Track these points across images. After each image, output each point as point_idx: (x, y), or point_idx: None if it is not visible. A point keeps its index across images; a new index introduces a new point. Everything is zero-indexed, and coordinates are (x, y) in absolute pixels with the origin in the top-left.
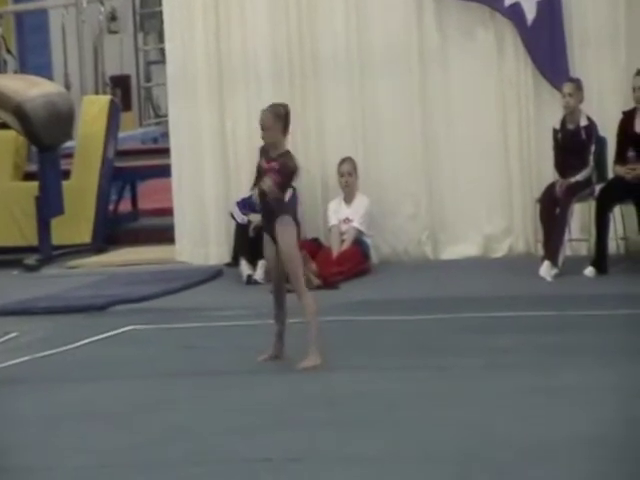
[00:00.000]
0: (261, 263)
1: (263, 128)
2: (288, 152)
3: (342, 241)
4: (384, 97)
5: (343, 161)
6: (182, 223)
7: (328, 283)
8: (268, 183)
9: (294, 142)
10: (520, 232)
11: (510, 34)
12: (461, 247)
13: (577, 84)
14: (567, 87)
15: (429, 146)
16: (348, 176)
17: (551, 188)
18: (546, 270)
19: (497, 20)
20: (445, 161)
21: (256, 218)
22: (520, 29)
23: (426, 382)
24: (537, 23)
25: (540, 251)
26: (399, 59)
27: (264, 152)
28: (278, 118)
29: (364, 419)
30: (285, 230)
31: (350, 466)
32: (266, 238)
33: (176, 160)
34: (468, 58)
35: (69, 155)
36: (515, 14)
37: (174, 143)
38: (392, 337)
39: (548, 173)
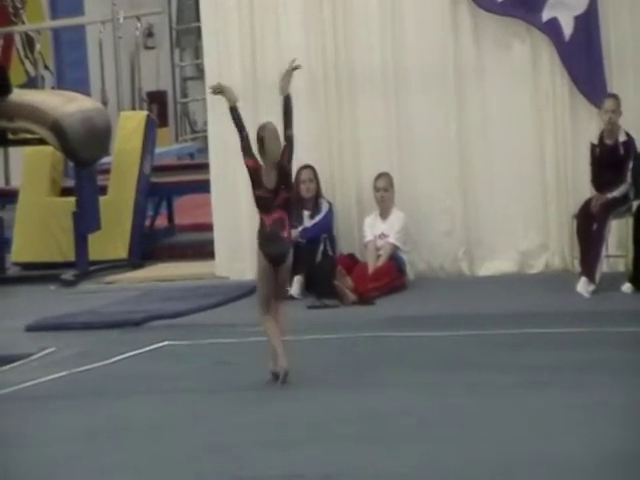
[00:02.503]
0: (297, 279)
1: (276, 148)
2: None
3: (378, 257)
4: (420, 112)
5: (379, 176)
6: (220, 238)
7: (364, 299)
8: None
9: (330, 157)
10: (556, 248)
11: (546, 49)
12: (497, 263)
13: (618, 100)
14: (609, 103)
15: (465, 161)
16: (384, 191)
17: (588, 204)
18: (583, 286)
19: (534, 34)
20: (481, 177)
21: (293, 234)
22: (557, 44)
23: (460, 399)
24: (575, 38)
25: (577, 267)
26: (435, 74)
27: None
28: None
29: (397, 435)
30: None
31: None
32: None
33: (215, 175)
34: (504, 73)
35: (106, 171)
36: (552, 29)
37: (213, 159)
38: (427, 353)
39: (585, 189)
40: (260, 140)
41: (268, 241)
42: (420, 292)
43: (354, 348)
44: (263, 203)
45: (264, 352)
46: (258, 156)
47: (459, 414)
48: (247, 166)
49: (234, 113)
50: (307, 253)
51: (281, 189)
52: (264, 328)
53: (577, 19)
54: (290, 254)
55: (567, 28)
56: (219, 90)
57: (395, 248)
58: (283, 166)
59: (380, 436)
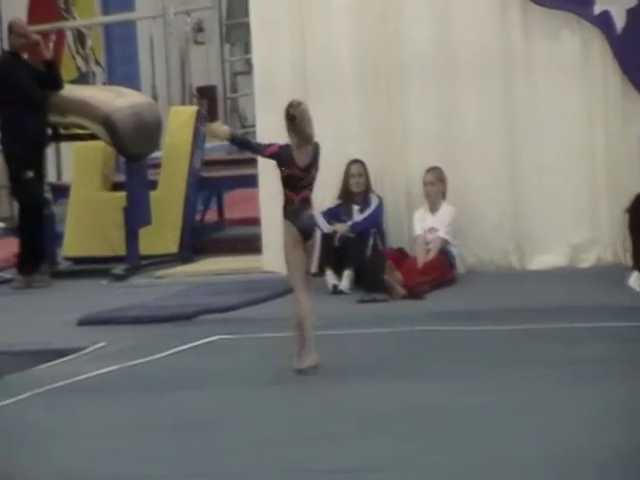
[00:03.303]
0: (347, 273)
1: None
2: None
3: (427, 251)
4: (469, 104)
5: (427, 170)
6: (269, 232)
7: (414, 293)
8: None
9: (380, 151)
10: (608, 242)
11: (597, 41)
12: (548, 257)
13: None
14: None
15: (514, 154)
16: (430, 186)
17: (639, 198)
18: (635, 280)
19: (584, 27)
20: (531, 170)
21: (342, 228)
22: (609, 37)
23: (509, 392)
24: (626, 31)
25: (629, 261)
26: (484, 66)
27: (285, 156)
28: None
29: (447, 429)
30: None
31: (434, 476)
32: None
33: (263, 170)
34: (554, 66)
35: (156, 165)
36: (604, 22)
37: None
38: (476, 347)
39: (636, 183)
40: (291, 118)
41: (298, 214)
42: (470, 286)
43: (404, 342)
44: (293, 181)
45: (316, 344)
46: (288, 134)
47: (509, 408)
48: (271, 152)
49: (236, 141)
50: (357, 247)
51: (312, 169)
52: (301, 306)
53: (629, 12)
54: (315, 231)
55: (619, 21)
56: (213, 135)
57: (445, 242)
58: (317, 145)
59: (429, 430)
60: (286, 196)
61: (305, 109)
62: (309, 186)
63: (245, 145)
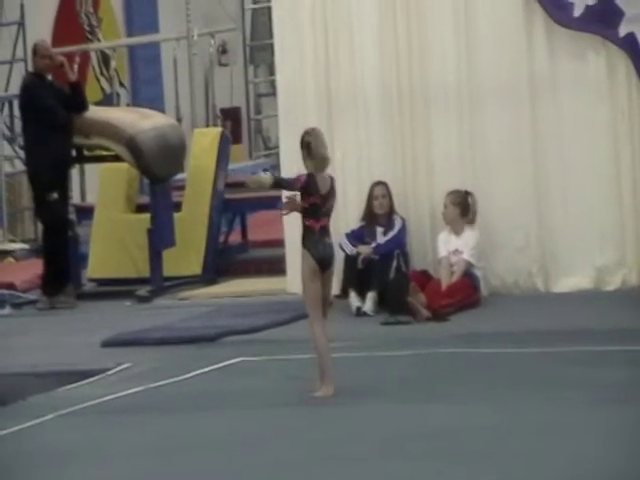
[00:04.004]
0: (370, 295)
1: (325, 152)
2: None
3: (451, 273)
4: (494, 127)
5: (447, 194)
6: (293, 254)
7: (437, 315)
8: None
9: (404, 173)
10: (633, 264)
11: (623, 62)
12: (572, 279)
13: None
14: None
15: (539, 176)
16: (444, 208)
17: None
18: None
19: (609, 48)
20: (556, 191)
21: (365, 250)
22: (634, 59)
23: (533, 415)
24: None
25: None
26: (509, 89)
27: (311, 185)
28: (302, 147)
29: (470, 452)
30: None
31: None
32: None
33: (287, 192)
34: (579, 87)
35: (180, 187)
36: (629, 44)
37: (285, 174)
38: (500, 370)
39: None
40: (306, 145)
41: (317, 244)
42: (494, 309)
43: (427, 364)
44: (314, 210)
45: (338, 367)
46: (304, 163)
47: (533, 431)
48: (302, 184)
49: (275, 185)
50: (380, 269)
51: (330, 196)
52: (315, 340)
53: None
54: (334, 261)
55: None
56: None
57: (469, 264)
58: (331, 177)
59: (453, 452)
60: (306, 225)
61: (319, 133)
62: (328, 214)
63: (281, 184)
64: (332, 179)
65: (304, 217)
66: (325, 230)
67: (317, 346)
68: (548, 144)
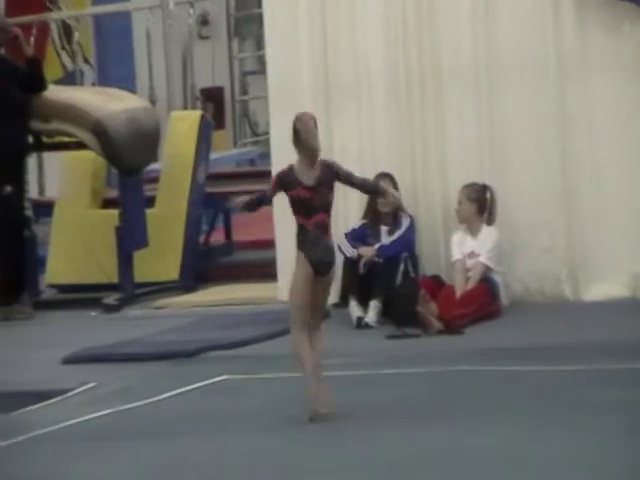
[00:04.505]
0: (373, 304)
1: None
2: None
3: (467, 279)
4: (516, 112)
5: (462, 188)
6: (284, 257)
7: (451, 327)
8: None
9: (413, 165)
10: None
11: None
12: (606, 287)
13: None
14: None
15: (568, 168)
16: (457, 205)
17: None
18: None
19: None
20: (587, 186)
21: (368, 252)
22: None
23: (560, 443)
24: None
25: None
26: (533, 69)
27: (289, 178)
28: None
29: None
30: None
31: None
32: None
33: None
34: (613, 66)
35: (154, 179)
36: None
37: (276, 165)
38: (523, 390)
39: None
40: (296, 133)
41: (313, 245)
42: (516, 319)
43: (439, 384)
44: (301, 204)
45: (335, 386)
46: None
47: (560, 460)
48: (274, 186)
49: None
50: (385, 274)
51: (322, 187)
52: (299, 355)
53: None
54: (334, 265)
55: None
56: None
57: (487, 269)
58: (329, 164)
59: None
60: (298, 223)
61: (309, 119)
62: (323, 209)
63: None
64: (330, 166)
65: (295, 215)
66: (322, 228)
67: (298, 355)
68: (577, 130)
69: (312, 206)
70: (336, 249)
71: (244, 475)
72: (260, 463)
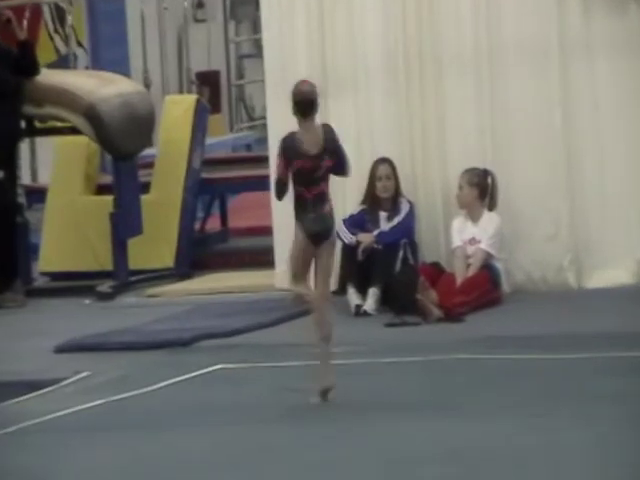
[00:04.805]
0: (372, 292)
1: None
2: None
3: (468, 266)
4: (518, 97)
5: (463, 173)
6: (282, 244)
7: (451, 315)
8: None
9: (412, 149)
10: None
11: None
12: (610, 274)
13: None
14: None
15: (572, 154)
16: (458, 190)
17: None
18: None
19: None
20: (591, 172)
21: (366, 238)
22: None
23: (565, 434)
24: None
25: None
26: (536, 51)
27: (292, 148)
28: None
29: (491, 476)
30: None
31: None
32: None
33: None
34: (619, 48)
35: (149, 165)
36: None
37: (273, 150)
38: (527, 380)
39: None
40: (296, 103)
41: (310, 218)
42: (518, 307)
43: (439, 373)
44: (304, 175)
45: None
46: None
47: (565, 451)
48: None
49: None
50: (384, 261)
51: (325, 155)
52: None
53: None
54: (334, 231)
55: None
56: None
57: (488, 256)
58: (327, 127)
59: (471, 477)
60: (297, 193)
61: (302, 81)
62: (324, 179)
63: (282, 190)
64: (328, 131)
65: (294, 185)
66: (322, 198)
67: (300, 295)
68: (581, 115)
69: (313, 177)
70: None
71: (240, 467)
72: (257, 454)
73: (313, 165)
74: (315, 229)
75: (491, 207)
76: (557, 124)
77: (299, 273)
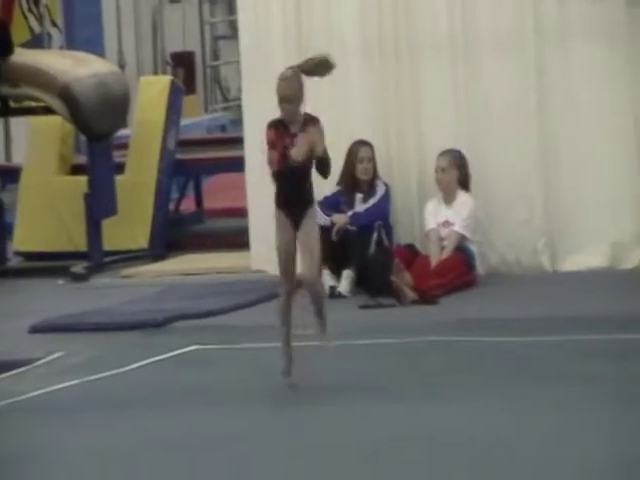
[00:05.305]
0: (346, 273)
1: (288, 100)
2: (313, 118)
3: (442, 248)
4: (493, 81)
5: (440, 154)
6: (257, 225)
7: (425, 297)
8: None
9: (387, 133)
10: None
11: None
12: (584, 257)
13: None
14: None
15: (547, 138)
16: (441, 172)
17: None
18: None
19: None
20: (565, 155)
21: (341, 219)
22: None
23: (539, 416)
24: None
25: None
26: (511, 36)
27: (280, 127)
28: (301, 86)
29: (465, 460)
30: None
31: None
32: (284, 221)
33: (250, 152)
34: (594, 33)
35: (123, 145)
36: None
37: (248, 131)
38: (501, 362)
39: None
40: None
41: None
42: (492, 290)
43: (413, 355)
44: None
45: (312, 358)
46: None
47: (540, 435)
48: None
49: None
50: (358, 243)
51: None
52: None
53: None
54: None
55: None
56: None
57: (462, 238)
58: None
59: (447, 460)
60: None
61: (284, 71)
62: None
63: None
64: (315, 120)
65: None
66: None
67: (281, 335)
68: (557, 99)
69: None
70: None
71: (214, 449)
72: (234, 440)
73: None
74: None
75: (466, 186)
76: (532, 109)
77: (288, 271)
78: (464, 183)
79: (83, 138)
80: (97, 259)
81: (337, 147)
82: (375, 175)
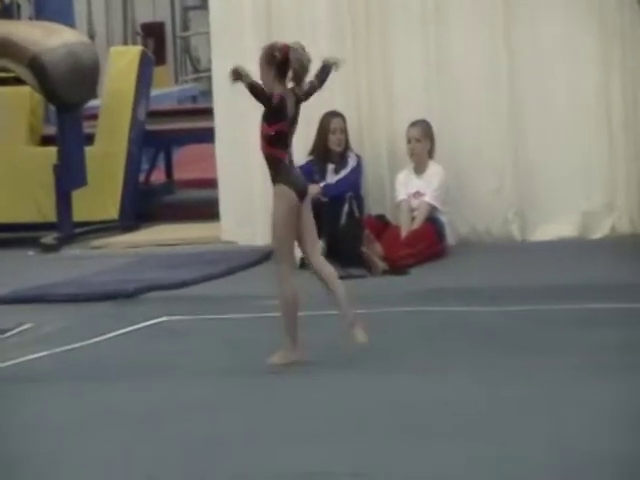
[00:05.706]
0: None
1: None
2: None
3: (412, 218)
4: (462, 49)
5: (412, 124)
6: (227, 196)
7: (396, 267)
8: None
9: (358, 102)
10: (624, 208)
11: None
12: (554, 227)
13: None
14: None
15: (516, 108)
16: (415, 142)
17: None
18: None
19: None
20: (535, 125)
21: (313, 189)
22: None
23: (511, 386)
24: None
25: None
26: (481, 4)
27: (283, 108)
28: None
29: (436, 429)
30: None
31: None
32: (296, 205)
33: (220, 123)
34: (562, 2)
35: (93, 116)
36: None
37: (218, 102)
38: (471, 332)
39: None
40: (278, 63)
41: (294, 176)
42: (462, 260)
43: (384, 326)
44: (283, 138)
45: (276, 329)
46: (273, 83)
47: (510, 405)
48: (278, 101)
49: (252, 86)
50: (330, 214)
51: (296, 117)
52: (282, 292)
53: None
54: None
55: None
56: (237, 77)
57: (432, 208)
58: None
59: (417, 430)
60: (276, 157)
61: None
62: (291, 141)
63: (254, 89)
64: (295, 95)
65: (272, 147)
66: (292, 160)
67: (282, 300)
68: (526, 70)
69: (288, 140)
70: None
71: (184, 419)
72: (206, 410)
73: (289, 128)
74: (303, 184)
75: (432, 156)
76: (501, 79)
77: (290, 238)
78: (431, 153)
79: (53, 109)
80: (67, 230)
81: (307, 118)
82: (347, 146)
